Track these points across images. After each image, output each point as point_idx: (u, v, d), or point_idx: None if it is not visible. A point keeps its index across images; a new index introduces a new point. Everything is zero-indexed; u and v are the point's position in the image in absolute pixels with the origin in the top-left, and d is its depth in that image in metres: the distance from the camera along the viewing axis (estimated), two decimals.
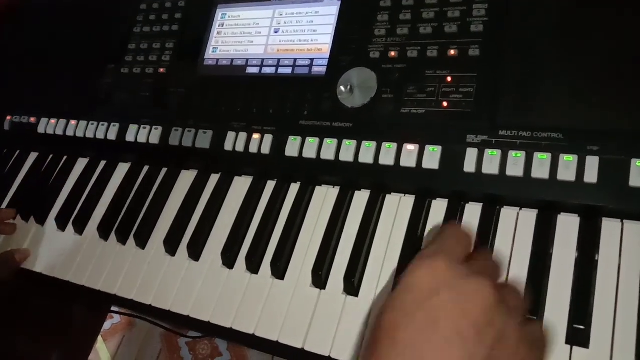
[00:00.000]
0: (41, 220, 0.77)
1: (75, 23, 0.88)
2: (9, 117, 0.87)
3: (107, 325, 1.72)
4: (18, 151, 0.88)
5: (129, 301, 0.64)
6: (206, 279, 0.62)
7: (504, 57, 0.56)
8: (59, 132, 0.81)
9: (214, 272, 0.62)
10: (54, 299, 1.09)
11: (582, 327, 0.45)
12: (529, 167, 0.51)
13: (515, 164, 0.52)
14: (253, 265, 0.60)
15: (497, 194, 0.53)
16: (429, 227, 0.56)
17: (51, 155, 0.84)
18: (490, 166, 0.53)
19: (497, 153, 0.53)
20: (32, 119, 0.85)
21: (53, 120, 0.82)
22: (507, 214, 0.54)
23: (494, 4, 0.58)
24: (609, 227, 0.49)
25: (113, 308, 1.37)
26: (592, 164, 0.49)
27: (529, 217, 0.53)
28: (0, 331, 1.01)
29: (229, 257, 0.61)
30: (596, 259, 0.49)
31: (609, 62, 0.51)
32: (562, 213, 0.52)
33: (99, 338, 1.70)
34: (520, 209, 0.53)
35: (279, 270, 0.58)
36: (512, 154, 0.52)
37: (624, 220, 0.49)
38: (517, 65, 0.55)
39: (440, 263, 0.39)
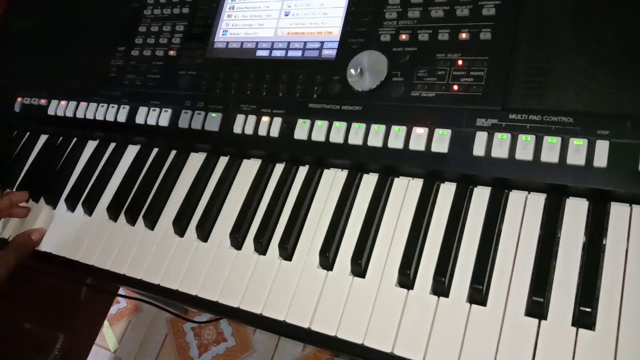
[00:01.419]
0: (52, 201, 0.77)
1: (86, 5, 0.88)
2: (19, 99, 0.88)
3: (113, 309, 1.74)
4: (28, 133, 0.88)
5: (138, 281, 0.65)
6: (214, 259, 0.62)
7: (515, 40, 0.56)
8: (69, 114, 0.81)
9: (222, 253, 0.62)
10: (62, 281, 1.10)
11: (588, 309, 0.45)
12: (539, 150, 0.51)
13: (525, 148, 0.52)
14: (261, 247, 0.60)
15: (505, 177, 0.53)
16: (436, 211, 0.56)
17: (61, 137, 0.85)
18: (500, 150, 0.53)
19: (506, 137, 0.53)
20: (43, 101, 0.85)
21: (63, 102, 0.82)
22: (516, 197, 0.54)
23: None
24: (618, 212, 0.49)
25: (120, 292, 1.39)
26: (602, 148, 0.49)
27: (537, 201, 0.53)
28: (9, 311, 1.03)
29: (237, 238, 0.62)
30: (604, 243, 0.49)
31: (622, 46, 0.51)
32: (570, 197, 0.52)
33: (105, 322, 1.71)
34: (529, 192, 0.53)
35: (287, 251, 0.59)
36: (522, 137, 0.52)
37: (633, 205, 0.49)
38: (529, 49, 0.55)
39: None
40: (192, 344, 1.60)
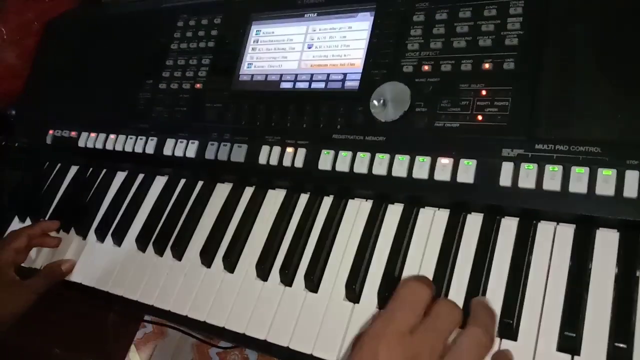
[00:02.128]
0: (82, 232, 0.79)
1: (115, 39, 0.91)
2: (51, 132, 0.90)
3: (139, 334, 1.75)
4: (59, 164, 0.91)
5: (166, 312, 0.66)
6: (241, 290, 0.63)
7: (540, 70, 0.55)
8: (99, 145, 0.83)
9: (248, 284, 0.63)
10: (90, 307, 1.12)
11: (624, 345, 0.44)
12: (567, 181, 0.51)
13: (552, 178, 0.51)
14: (287, 278, 0.60)
15: (533, 208, 0.53)
16: (463, 242, 0.55)
17: (91, 169, 0.87)
18: (527, 180, 0.52)
19: (533, 167, 0.52)
20: (73, 133, 0.87)
21: (93, 134, 0.85)
22: (544, 228, 0.53)
23: (529, 17, 0.57)
24: None
25: (146, 317, 1.40)
26: (632, 178, 0.48)
27: (566, 232, 0.52)
28: (39, 336, 1.04)
29: (263, 270, 0.62)
30: (637, 275, 0.48)
31: None
32: (600, 228, 0.51)
33: (132, 346, 1.72)
34: (558, 223, 0.53)
35: (313, 283, 0.59)
36: (549, 167, 0.52)
37: None
38: (554, 78, 0.55)
39: (389, 342, 0.43)
40: None
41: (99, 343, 1.22)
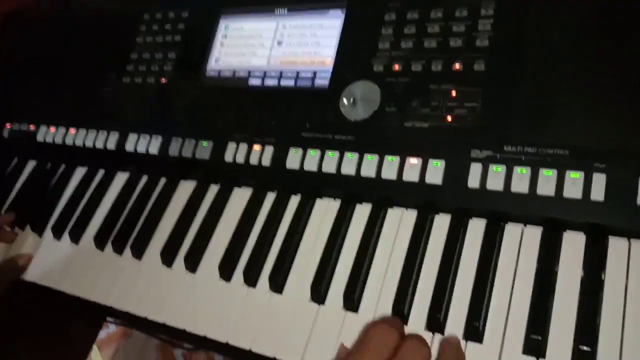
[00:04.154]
0: (38, 229, 0.76)
1: (78, 31, 0.87)
2: (8, 125, 0.87)
3: (102, 334, 1.70)
4: (16, 159, 0.87)
5: (124, 313, 0.63)
6: (203, 291, 0.61)
7: (510, 71, 0.55)
8: (58, 140, 0.80)
9: (211, 285, 0.61)
10: (49, 308, 1.07)
11: (588, 348, 0.44)
12: (535, 183, 0.50)
13: (521, 180, 0.51)
14: (251, 279, 0.59)
15: (501, 210, 0.52)
16: (431, 243, 0.55)
17: (49, 164, 0.83)
18: (495, 182, 0.52)
19: (501, 169, 0.52)
20: (32, 127, 0.84)
21: (52, 129, 0.81)
22: (512, 230, 0.53)
23: (500, 19, 0.57)
24: (616, 246, 0.48)
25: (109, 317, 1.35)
26: (599, 181, 0.48)
27: (534, 234, 0.52)
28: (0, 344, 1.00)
29: (226, 270, 0.60)
30: (602, 278, 0.48)
31: (619, 78, 0.51)
32: (567, 230, 0.51)
33: (94, 347, 1.67)
34: (525, 225, 0.52)
35: (278, 284, 0.57)
36: (517, 169, 0.51)
37: (631, 239, 0.48)
38: (524, 80, 0.55)
39: None
40: None
41: (60, 344, 1.18)
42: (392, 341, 0.45)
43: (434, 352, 0.48)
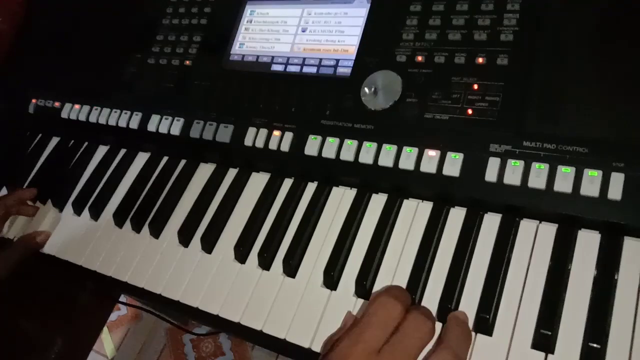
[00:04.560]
0: (59, 204, 0.77)
1: (106, 10, 0.88)
2: (34, 101, 0.88)
3: (113, 316, 1.73)
4: (40, 134, 0.89)
5: (139, 289, 0.64)
6: (217, 272, 0.61)
7: (533, 67, 0.55)
8: (82, 117, 0.81)
9: (225, 266, 0.62)
10: (63, 284, 1.10)
11: (598, 345, 0.44)
12: (552, 180, 0.50)
13: (538, 176, 0.51)
14: (265, 262, 0.60)
15: (517, 205, 0.52)
16: (445, 235, 0.55)
17: (72, 141, 0.85)
18: (512, 177, 0.52)
19: (519, 164, 0.52)
20: (57, 104, 0.85)
21: (77, 106, 0.83)
22: (526, 226, 0.53)
23: (525, 14, 0.57)
24: (631, 246, 0.48)
25: (121, 299, 1.38)
26: (617, 180, 0.48)
27: (548, 230, 0.52)
28: (9, 311, 1.02)
29: (241, 252, 0.61)
30: (615, 278, 0.48)
31: None
32: (582, 229, 0.51)
33: (105, 328, 1.70)
34: (540, 222, 0.52)
35: (291, 268, 0.58)
36: (535, 165, 0.51)
37: None
38: (546, 76, 0.54)
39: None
40: (189, 356, 1.59)
41: (71, 322, 1.20)
42: (395, 315, 0.45)
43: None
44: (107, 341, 1.72)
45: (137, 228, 0.69)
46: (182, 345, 1.62)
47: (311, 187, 0.64)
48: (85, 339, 1.37)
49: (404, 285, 0.53)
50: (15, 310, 1.05)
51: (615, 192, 0.48)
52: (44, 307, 1.14)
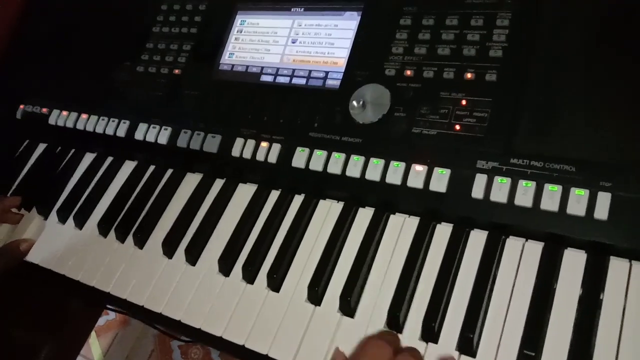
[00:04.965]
0: (43, 212, 0.76)
1: (95, 17, 0.88)
2: (22, 106, 0.87)
3: (101, 321, 1.72)
4: (27, 140, 0.88)
5: (123, 300, 0.64)
6: (201, 284, 0.61)
7: (522, 84, 0.55)
8: (70, 124, 0.80)
9: (209, 279, 0.61)
10: (51, 290, 1.08)
11: None
12: (539, 198, 0.50)
13: (525, 194, 0.51)
14: (249, 275, 0.59)
15: (503, 222, 0.52)
16: (431, 251, 0.54)
17: (60, 147, 0.84)
18: (499, 194, 0.52)
19: (506, 181, 0.52)
20: (44, 110, 0.85)
21: (65, 113, 0.82)
22: (513, 244, 0.52)
23: (515, 30, 0.57)
24: (617, 267, 0.48)
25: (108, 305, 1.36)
26: (604, 200, 0.48)
27: (534, 249, 0.51)
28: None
29: (225, 265, 0.60)
30: (601, 298, 0.47)
31: (629, 97, 0.50)
32: (568, 248, 0.50)
33: (92, 333, 1.69)
34: (527, 240, 0.52)
35: (275, 282, 0.57)
36: (522, 183, 0.51)
37: (633, 261, 0.48)
38: (535, 93, 0.54)
39: None
40: None
41: (59, 327, 1.19)
42: (385, 357, 0.45)
43: None
44: (94, 346, 1.70)
45: (121, 238, 0.68)
46: (170, 351, 1.61)
47: (298, 200, 0.63)
48: (73, 343, 1.35)
49: (388, 301, 0.52)
50: (1, 316, 1.04)
51: (602, 211, 0.48)
52: (31, 312, 1.12)
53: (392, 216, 0.58)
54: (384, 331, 0.52)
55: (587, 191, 0.49)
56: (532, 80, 0.55)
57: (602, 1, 0.54)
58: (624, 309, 0.46)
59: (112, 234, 0.69)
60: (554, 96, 0.53)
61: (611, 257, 0.48)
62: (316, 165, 0.61)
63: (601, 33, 0.54)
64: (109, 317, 1.71)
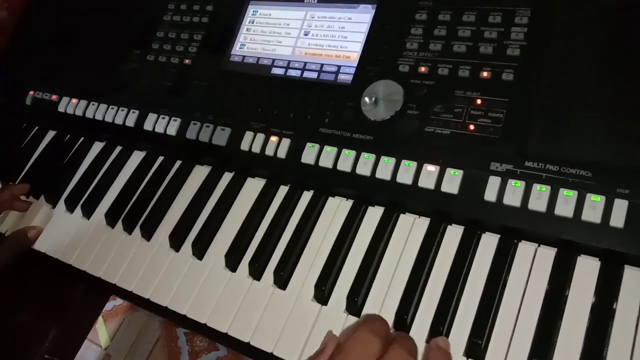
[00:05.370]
0: (51, 200, 0.76)
1: (107, 4, 0.87)
2: (31, 93, 0.87)
3: (108, 306, 1.73)
4: (37, 127, 0.88)
5: (128, 292, 0.63)
6: (207, 279, 0.60)
7: (538, 84, 0.53)
8: (79, 112, 0.80)
9: (216, 274, 0.60)
10: (58, 275, 1.09)
11: None
12: (553, 203, 0.49)
13: (539, 198, 0.49)
14: (256, 271, 0.58)
15: (516, 227, 0.51)
16: (441, 253, 0.54)
17: (68, 135, 0.83)
18: (512, 197, 0.50)
19: (520, 184, 0.50)
20: (54, 97, 0.84)
21: (74, 100, 0.81)
22: (525, 248, 0.51)
23: (534, 28, 0.55)
24: (631, 276, 0.47)
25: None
26: (621, 207, 0.47)
27: (547, 254, 0.50)
28: (3, 299, 1.02)
29: (232, 260, 0.60)
30: (614, 307, 0.46)
31: None
32: (582, 255, 0.49)
33: (100, 318, 1.70)
34: (539, 245, 0.51)
35: (282, 279, 0.57)
36: (537, 187, 0.50)
37: None
38: (553, 95, 0.53)
39: None
40: (183, 350, 1.58)
41: (66, 311, 1.19)
42: (374, 352, 0.43)
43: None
44: (101, 331, 1.71)
45: (128, 229, 0.68)
46: (176, 338, 1.62)
47: (306, 196, 0.62)
48: (80, 328, 1.36)
49: (396, 303, 0.52)
50: (9, 299, 1.05)
51: (618, 219, 0.46)
52: (40, 296, 1.13)
53: (401, 216, 0.57)
54: (368, 318, 0.49)
55: (604, 198, 0.47)
56: (549, 81, 0.53)
57: (623, 0, 0.53)
58: (637, 319, 0.45)
59: (119, 225, 0.69)
60: (572, 97, 0.52)
61: (626, 266, 0.47)
62: (326, 161, 0.60)
63: (622, 33, 0.52)
64: (116, 302, 1.73)
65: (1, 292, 0.95)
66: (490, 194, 0.51)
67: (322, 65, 0.66)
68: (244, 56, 0.71)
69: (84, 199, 0.73)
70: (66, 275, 1.05)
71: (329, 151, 0.60)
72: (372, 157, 0.58)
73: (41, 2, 0.95)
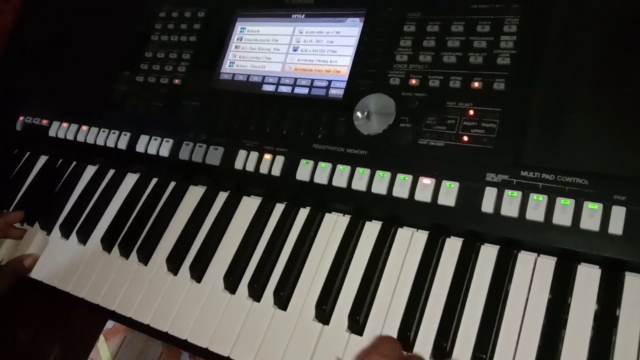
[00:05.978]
0: (46, 227, 0.75)
1: (94, 27, 0.86)
2: (21, 118, 0.86)
3: (109, 324, 1.71)
4: (28, 153, 0.87)
5: (127, 319, 0.63)
6: (207, 302, 0.60)
7: (531, 93, 0.53)
8: (70, 136, 0.79)
9: (215, 296, 0.60)
10: (58, 301, 1.08)
11: None
12: (551, 212, 0.49)
13: (536, 208, 0.49)
14: (255, 293, 0.58)
15: (515, 237, 0.50)
16: (441, 267, 0.53)
17: (61, 160, 0.83)
18: (510, 208, 0.50)
19: (517, 194, 0.50)
20: (44, 121, 0.84)
21: (65, 124, 0.81)
22: (525, 259, 0.51)
23: (523, 36, 0.55)
24: (633, 283, 0.47)
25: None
26: (619, 214, 0.46)
27: (547, 264, 0.50)
28: (3, 321, 1.01)
29: (231, 282, 0.59)
30: (617, 314, 0.46)
31: None
32: (582, 263, 0.49)
33: (101, 337, 1.68)
34: (539, 255, 0.51)
35: (282, 300, 0.56)
36: (534, 197, 0.50)
37: None
38: (545, 102, 0.53)
39: None
40: None
41: (67, 331, 1.19)
42: None
43: None
44: (103, 349, 1.70)
45: (125, 254, 0.67)
46: (178, 353, 1.61)
47: (303, 213, 0.62)
48: (81, 347, 1.35)
49: (398, 319, 0.51)
50: (10, 320, 1.04)
51: (617, 226, 0.46)
52: (38, 319, 1.12)
53: (400, 230, 0.57)
54: (381, 341, 0.49)
55: (601, 205, 0.47)
56: (541, 89, 0.53)
57: (615, 5, 0.53)
58: None
59: (115, 249, 0.68)
60: (566, 105, 0.52)
61: (626, 273, 0.47)
62: (321, 178, 0.60)
63: (614, 39, 0.52)
64: None
65: (2, 313, 0.94)
66: (488, 205, 0.51)
67: (312, 80, 0.65)
68: (234, 74, 0.71)
69: (78, 224, 0.73)
70: (65, 298, 1.04)
71: (324, 167, 0.60)
72: (367, 171, 0.58)
73: (27, 25, 0.95)
